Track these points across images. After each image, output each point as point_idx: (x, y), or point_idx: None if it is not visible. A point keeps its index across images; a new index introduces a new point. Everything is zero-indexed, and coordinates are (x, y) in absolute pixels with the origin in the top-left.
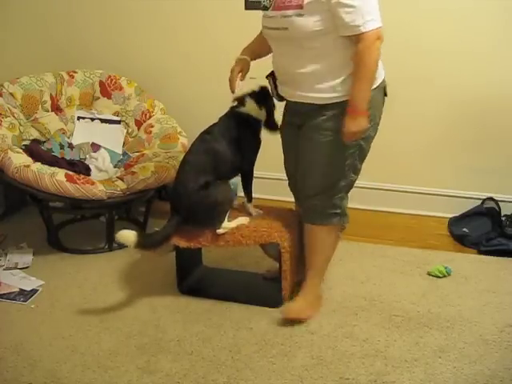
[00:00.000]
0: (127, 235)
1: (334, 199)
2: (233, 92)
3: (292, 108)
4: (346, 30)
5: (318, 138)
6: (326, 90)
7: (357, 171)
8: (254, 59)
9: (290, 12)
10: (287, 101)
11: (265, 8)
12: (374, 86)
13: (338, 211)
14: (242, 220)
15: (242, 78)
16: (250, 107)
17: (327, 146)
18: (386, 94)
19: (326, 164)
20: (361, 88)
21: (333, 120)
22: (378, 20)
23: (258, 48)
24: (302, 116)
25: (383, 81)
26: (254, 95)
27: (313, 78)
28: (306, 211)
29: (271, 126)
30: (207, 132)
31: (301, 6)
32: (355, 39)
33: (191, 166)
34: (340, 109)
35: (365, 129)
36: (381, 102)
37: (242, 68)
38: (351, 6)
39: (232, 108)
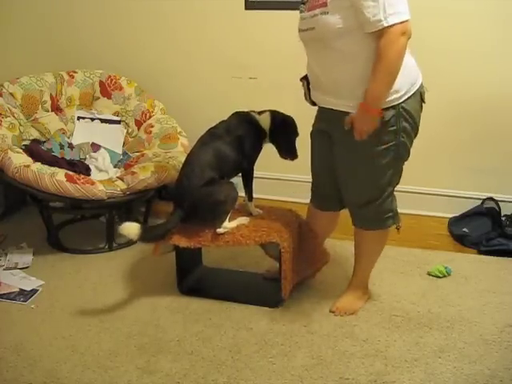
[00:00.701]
0: (130, 227)
1: (385, 204)
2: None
3: (323, 114)
4: (369, 26)
5: (358, 150)
6: (354, 97)
7: (400, 174)
8: None
9: (316, 11)
10: (319, 106)
11: (301, 11)
12: (410, 94)
13: (391, 214)
14: (242, 220)
15: None
16: (264, 121)
17: (366, 160)
18: (423, 101)
19: (370, 175)
20: (377, 85)
21: (373, 135)
22: (403, 13)
23: None
24: (333, 123)
25: (421, 86)
26: (275, 118)
27: (342, 84)
28: (360, 219)
29: (288, 153)
30: (215, 128)
31: (325, 4)
32: (378, 35)
33: (197, 161)
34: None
35: (374, 128)
36: (416, 113)
37: None
38: (373, 0)
39: (248, 112)
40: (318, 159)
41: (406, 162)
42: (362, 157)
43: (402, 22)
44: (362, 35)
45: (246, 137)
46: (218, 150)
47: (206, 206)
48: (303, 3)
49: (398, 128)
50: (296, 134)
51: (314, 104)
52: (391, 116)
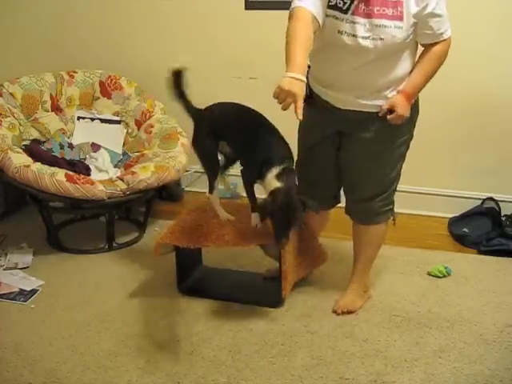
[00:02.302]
0: None
1: (390, 197)
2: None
3: (337, 115)
4: (432, 38)
5: (376, 148)
6: (387, 97)
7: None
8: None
9: (387, 22)
10: (331, 108)
11: (341, 10)
12: (417, 98)
13: (391, 206)
14: (227, 216)
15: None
16: (270, 181)
17: (386, 155)
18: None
19: (384, 170)
20: (423, 80)
21: (388, 130)
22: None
23: (307, 48)
24: (352, 124)
25: None
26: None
27: (381, 86)
28: (367, 212)
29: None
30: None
31: (401, 18)
32: (433, 43)
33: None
34: None
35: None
36: (419, 104)
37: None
38: (440, 16)
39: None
40: (318, 165)
41: (406, 162)
42: (384, 150)
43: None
44: (415, 44)
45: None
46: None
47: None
48: (351, 2)
49: (414, 121)
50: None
51: (304, 100)
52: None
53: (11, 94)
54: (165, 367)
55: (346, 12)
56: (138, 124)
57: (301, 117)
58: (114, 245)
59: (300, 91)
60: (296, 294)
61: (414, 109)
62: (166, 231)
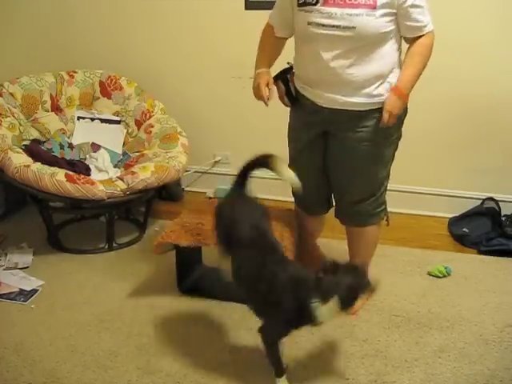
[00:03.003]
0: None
1: (382, 197)
2: (266, 103)
3: (324, 115)
4: (414, 31)
5: (364, 150)
6: (371, 95)
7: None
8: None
9: (359, 11)
10: (317, 109)
11: (311, 4)
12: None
13: (384, 207)
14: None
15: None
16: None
17: (374, 155)
18: None
19: (373, 171)
20: (414, 73)
21: (375, 130)
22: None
23: (274, 55)
24: (338, 124)
25: None
26: None
27: (363, 82)
28: (358, 215)
29: None
30: None
31: (374, 6)
32: (418, 36)
33: None
34: (380, 115)
35: (400, 113)
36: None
37: (268, 81)
38: (421, 7)
39: None
40: (308, 169)
41: (405, 162)
42: (371, 151)
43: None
44: (395, 38)
45: None
46: None
47: None
48: None
49: (402, 120)
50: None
51: (293, 103)
52: None
53: (11, 94)
54: (165, 367)
55: (315, 4)
56: (138, 124)
57: (267, 93)
58: (114, 245)
59: (261, 78)
60: None
61: (403, 113)
62: (167, 230)
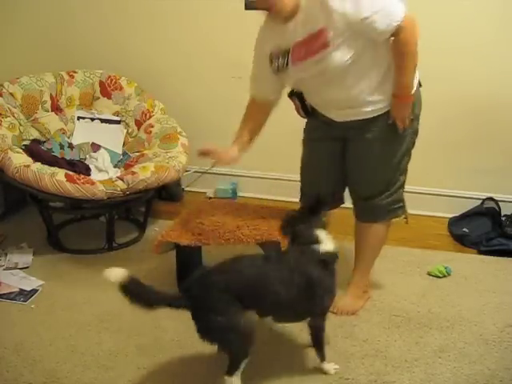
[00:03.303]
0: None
1: (398, 194)
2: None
3: (336, 124)
4: (384, 34)
5: (378, 146)
6: (377, 101)
7: (408, 162)
8: (251, 140)
9: (318, 56)
10: (331, 121)
11: (281, 69)
12: (417, 81)
13: (401, 204)
14: None
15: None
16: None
17: (386, 152)
18: (420, 85)
19: (391, 165)
20: (407, 76)
21: (385, 128)
22: (400, 6)
23: (256, 127)
24: (350, 130)
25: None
26: None
27: (363, 97)
28: (372, 210)
29: None
30: None
31: (326, 45)
32: (394, 35)
33: None
34: (389, 114)
35: (410, 111)
36: (420, 98)
37: (223, 158)
38: (375, 13)
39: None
40: (319, 162)
41: None
42: (383, 147)
43: (405, 11)
44: (372, 49)
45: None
46: None
47: None
48: (282, 57)
49: (415, 115)
50: None
51: (308, 116)
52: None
53: (11, 94)
54: (165, 367)
55: (287, 66)
56: (138, 124)
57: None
58: (114, 245)
59: (222, 152)
60: None
61: (416, 106)
62: (167, 229)
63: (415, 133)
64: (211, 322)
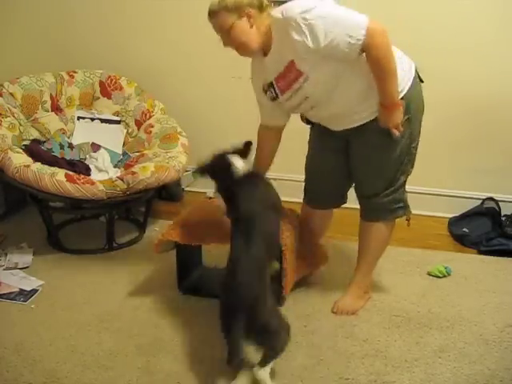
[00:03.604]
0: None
1: (399, 194)
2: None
3: (338, 131)
4: (351, 55)
5: (376, 146)
6: (369, 106)
7: (413, 163)
8: (269, 166)
9: (297, 84)
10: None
11: (274, 99)
12: (411, 81)
13: (402, 204)
14: None
15: None
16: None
17: (385, 151)
18: (421, 81)
19: (390, 165)
20: (388, 87)
21: (381, 131)
22: (361, 19)
23: (270, 153)
24: (353, 134)
25: (415, 71)
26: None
27: (354, 106)
28: (373, 209)
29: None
30: None
31: (300, 73)
32: (364, 50)
33: None
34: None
35: (402, 116)
36: (420, 94)
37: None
38: (333, 38)
39: None
40: (321, 157)
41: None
42: (381, 147)
43: (369, 24)
44: (349, 65)
45: None
46: None
47: None
48: (270, 89)
49: (410, 115)
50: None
51: (309, 123)
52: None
53: (11, 94)
54: (165, 367)
55: (278, 97)
56: (138, 124)
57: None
58: (114, 245)
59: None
60: (296, 294)
61: (412, 105)
62: (168, 228)
63: (414, 131)
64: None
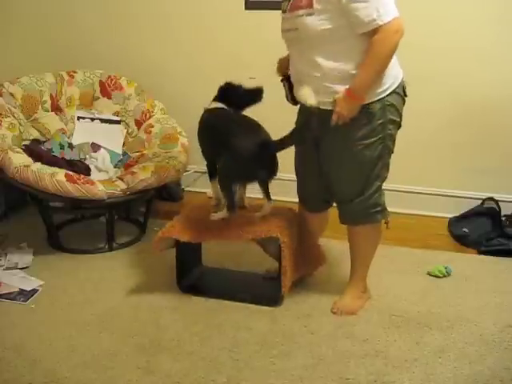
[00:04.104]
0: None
1: (374, 198)
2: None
3: (312, 117)
4: (363, 27)
5: (336, 150)
6: (340, 90)
7: (388, 168)
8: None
9: (301, 12)
10: (306, 108)
11: (283, 12)
12: (393, 88)
13: (379, 208)
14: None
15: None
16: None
17: (348, 157)
18: (405, 95)
19: (362, 170)
20: (366, 76)
21: (361, 128)
22: (394, 10)
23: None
24: (322, 126)
25: (402, 80)
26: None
27: (326, 78)
28: (349, 214)
29: None
30: None
31: (310, 5)
32: (372, 33)
33: None
34: (367, 114)
35: (353, 116)
36: (401, 104)
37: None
38: (364, 1)
39: None
40: (302, 161)
41: (405, 162)
42: (350, 150)
43: (394, 19)
44: (349, 35)
45: None
46: None
47: None
48: (285, 2)
49: (385, 120)
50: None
51: (295, 103)
52: (378, 109)
53: (11, 94)
54: (165, 367)
55: (284, 11)
56: (138, 124)
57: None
58: (114, 245)
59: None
60: (296, 294)
61: (387, 112)
62: (168, 225)
63: (388, 137)
64: None
